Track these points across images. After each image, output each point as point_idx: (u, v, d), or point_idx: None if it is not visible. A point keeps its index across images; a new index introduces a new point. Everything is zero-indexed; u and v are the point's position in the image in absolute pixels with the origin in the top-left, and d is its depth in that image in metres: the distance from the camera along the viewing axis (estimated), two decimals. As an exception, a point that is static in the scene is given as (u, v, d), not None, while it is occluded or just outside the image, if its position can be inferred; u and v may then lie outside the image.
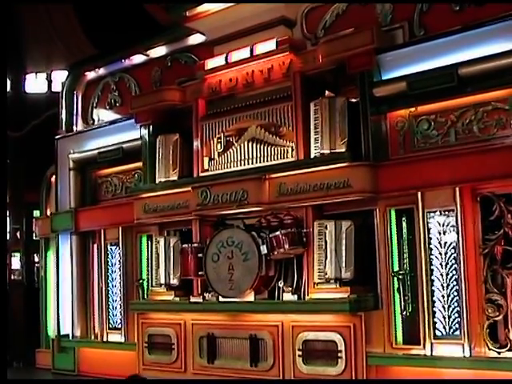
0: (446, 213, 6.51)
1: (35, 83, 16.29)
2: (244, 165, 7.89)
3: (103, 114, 10.49)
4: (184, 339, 8.14)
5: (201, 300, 7.91)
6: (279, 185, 7.36)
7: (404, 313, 6.78)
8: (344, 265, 6.83)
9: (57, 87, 13.55)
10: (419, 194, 6.61)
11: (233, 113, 8.14)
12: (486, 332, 6.22)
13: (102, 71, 10.55)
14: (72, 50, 15.60)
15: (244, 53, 7.96)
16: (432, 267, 6.54)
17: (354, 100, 7.20)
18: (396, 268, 6.85)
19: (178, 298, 8.18)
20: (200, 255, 7.84)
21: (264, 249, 7.34)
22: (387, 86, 7.02)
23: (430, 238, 6.59)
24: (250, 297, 7.45)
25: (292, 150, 7.52)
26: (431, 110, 6.82)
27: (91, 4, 15.18)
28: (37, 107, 14.60)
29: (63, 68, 13.71)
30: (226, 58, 8.13)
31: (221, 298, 7.68)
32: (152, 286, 8.68)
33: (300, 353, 7.10)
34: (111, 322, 9.45)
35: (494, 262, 6.26)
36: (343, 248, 6.85)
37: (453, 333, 6.38)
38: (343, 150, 7.02)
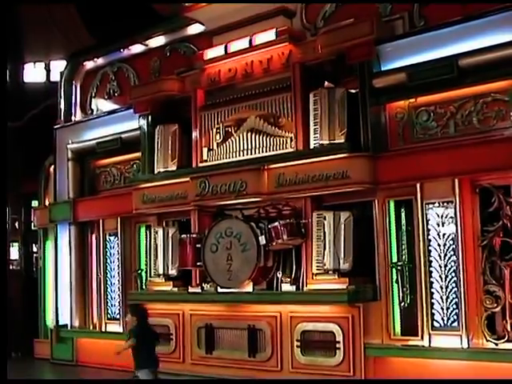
0: (445, 204, 6.51)
1: (34, 73, 16.18)
2: (243, 155, 7.87)
3: (102, 104, 10.46)
4: (182, 330, 8.15)
5: (199, 290, 7.91)
6: (278, 175, 7.35)
7: (402, 304, 6.79)
8: (343, 256, 6.83)
9: (55, 77, 13.45)
10: (418, 186, 6.60)
11: (232, 103, 8.11)
12: (484, 323, 6.23)
13: (100, 61, 10.52)
14: (71, 40, 15.50)
15: (243, 43, 7.94)
16: (430, 258, 6.55)
17: (353, 91, 7.19)
18: (395, 259, 6.86)
19: (176, 289, 8.20)
20: (198, 246, 7.85)
21: (263, 239, 7.34)
22: (387, 77, 7.00)
23: (428, 230, 6.59)
24: (249, 287, 7.46)
25: (291, 140, 7.51)
26: (431, 101, 6.81)
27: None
28: (35, 97, 14.48)
29: (62, 58, 13.65)
30: (226, 49, 8.10)
31: (219, 289, 7.68)
32: (150, 277, 8.70)
33: (298, 343, 7.11)
34: (109, 312, 9.46)
35: (493, 254, 6.27)
36: (342, 239, 6.85)
37: (451, 324, 6.40)
38: (342, 140, 7.00)
